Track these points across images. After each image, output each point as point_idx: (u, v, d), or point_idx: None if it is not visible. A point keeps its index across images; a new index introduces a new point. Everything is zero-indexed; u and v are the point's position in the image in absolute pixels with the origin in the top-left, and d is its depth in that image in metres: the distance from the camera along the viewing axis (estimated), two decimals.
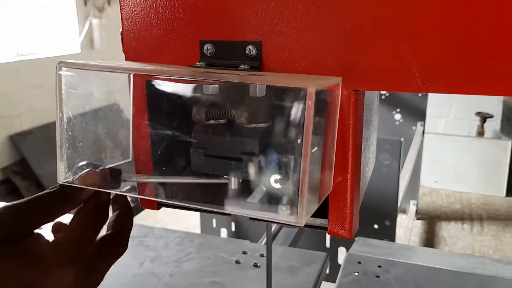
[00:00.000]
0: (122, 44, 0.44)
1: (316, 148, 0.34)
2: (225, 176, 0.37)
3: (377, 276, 0.92)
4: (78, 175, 0.36)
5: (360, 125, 0.38)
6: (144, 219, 2.74)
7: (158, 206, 0.44)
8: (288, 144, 0.35)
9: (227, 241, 1.06)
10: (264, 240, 1.18)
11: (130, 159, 0.42)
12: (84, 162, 0.39)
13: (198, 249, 1.02)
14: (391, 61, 0.35)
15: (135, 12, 0.41)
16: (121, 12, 0.43)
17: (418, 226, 3.13)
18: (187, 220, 3.05)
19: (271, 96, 0.36)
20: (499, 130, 3.89)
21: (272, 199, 0.36)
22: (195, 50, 0.39)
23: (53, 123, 3.56)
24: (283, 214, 0.33)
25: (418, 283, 0.90)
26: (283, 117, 0.35)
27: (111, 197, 0.38)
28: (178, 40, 0.40)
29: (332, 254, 1.73)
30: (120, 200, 0.38)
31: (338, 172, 0.37)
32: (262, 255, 0.98)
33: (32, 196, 0.33)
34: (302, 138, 0.30)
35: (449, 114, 4.20)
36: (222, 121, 0.38)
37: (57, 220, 0.34)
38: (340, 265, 0.96)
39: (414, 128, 3.18)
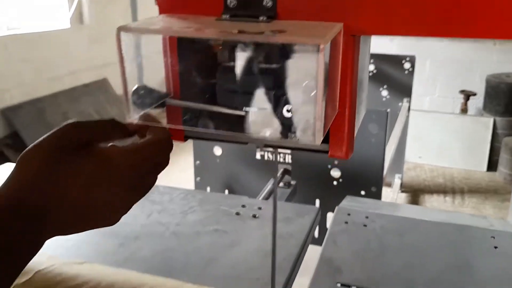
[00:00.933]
0: None
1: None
2: (245, 109, 0.44)
3: (365, 225, 1.01)
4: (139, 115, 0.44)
5: (356, 67, 0.46)
6: None
7: (185, 138, 0.51)
8: (302, 82, 0.43)
9: (227, 196, 1.14)
10: (262, 196, 1.27)
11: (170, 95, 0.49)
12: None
13: (201, 203, 1.10)
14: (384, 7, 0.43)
15: None
16: None
17: (402, 198, 3.26)
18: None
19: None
20: (481, 107, 4.02)
21: (288, 128, 0.44)
22: (220, 3, 0.46)
23: (43, 98, 3.57)
24: (302, 138, 0.41)
25: (400, 232, 1.00)
26: (296, 60, 0.43)
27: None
28: None
29: (321, 220, 1.83)
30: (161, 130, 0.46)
31: (338, 106, 0.46)
32: (259, 208, 1.07)
33: (99, 119, 0.40)
34: (317, 79, 0.39)
35: (434, 92, 4.32)
36: (241, 63, 0.45)
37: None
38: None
39: (400, 104, 3.28)
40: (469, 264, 0.88)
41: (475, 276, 0.85)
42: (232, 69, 0.45)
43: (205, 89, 0.46)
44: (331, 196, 1.83)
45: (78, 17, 4.04)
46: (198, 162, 2.09)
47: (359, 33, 0.45)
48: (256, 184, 1.87)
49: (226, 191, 2.03)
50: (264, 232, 0.98)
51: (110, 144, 0.39)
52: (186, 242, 0.93)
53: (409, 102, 3.27)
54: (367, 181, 1.81)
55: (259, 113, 0.44)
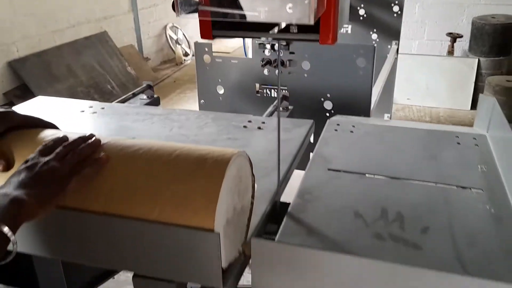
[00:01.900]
0: None
1: None
2: (258, 9, 0.63)
3: (351, 132, 1.22)
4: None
5: None
6: None
7: (213, 37, 0.70)
8: None
9: (235, 115, 1.33)
10: (264, 115, 1.47)
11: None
12: None
13: (214, 120, 1.30)
14: None
15: None
16: None
17: None
18: None
19: None
20: (467, 49, 4.18)
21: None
22: None
23: (48, 50, 3.69)
24: (299, 17, 0.60)
25: (382, 135, 1.20)
26: None
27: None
28: None
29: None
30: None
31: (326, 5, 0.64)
32: (263, 123, 1.27)
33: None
34: None
35: (422, 36, 4.45)
36: None
37: None
38: None
39: (389, 47, 3.44)
40: (436, 155, 1.09)
41: (441, 162, 1.06)
42: None
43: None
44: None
45: None
46: (202, 101, 2.27)
47: None
48: None
49: None
50: (268, 138, 1.18)
51: None
52: (205, 145, 1.13)
53: (398, 44, 3.43)
54: (355, 110, 2.01)
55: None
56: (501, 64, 4.02)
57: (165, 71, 5.54)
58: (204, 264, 0.64)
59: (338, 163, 1.05)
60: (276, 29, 0.67)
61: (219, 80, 2.21)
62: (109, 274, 1.58)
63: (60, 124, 0.87)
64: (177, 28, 5.79)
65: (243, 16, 0.64)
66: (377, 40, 3.48)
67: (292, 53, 2.06)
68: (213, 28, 0.69)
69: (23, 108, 1.38)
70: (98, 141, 0.74)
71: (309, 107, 2.09)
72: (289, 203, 0.90)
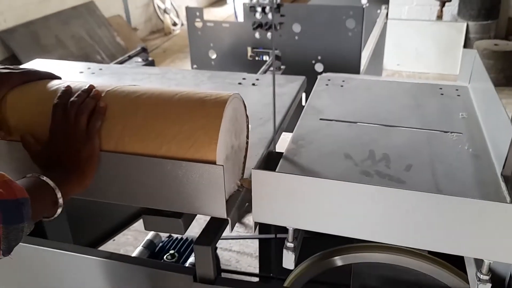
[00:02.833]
0: None
1: None
2: None
3: (341, 86, 1.28)
4: None
5: None
6: None
7: None
8: None
9: (230, 73, 1.38)
10: (258, 73, 1.52)
11: None
12: None
13: (209, 78, 1.35)
14: None
15: None
16: None
17: None
18: None
19: None
20: (456, 13, 4.21)
21: None
22: None
23: (35, 20, 3.66)
24: None
25: (370, 88, 1.26)
26: None
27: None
28: None
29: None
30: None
31: None
32: (257, 79, 1.32)
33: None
34: None
35: (412, 1, 4.47)
36: None
37: None
38: None
39: (379, 11, 3.46)
40: (420, 103, 1.16)
41: (425, 110, 1.13)
42: None
43: None
44: None
45: None
46: (195, 66, 2.31)
47: None
48: None
49: None
50: (263, 93, 1.24)
51: None
52: None
53: (387, 8, 3.45)
54: (344, 70, 2.06)
55: None
56: (489, 28, 4.07)
57: (154, 41, 5.51)
58: (209, 194, 0.70)
59: (329, 114, 1.11)
60: None
61: (211, 45, 2.24)
62: (110, 234, 1.66)
63: None
64: None
65: None
66: (367, 4, 3.49)
67: (282, 15, 2.09)
68: None
69: None
70: (98, 92, 0.78)
71: (301, 70, 2.13)
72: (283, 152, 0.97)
